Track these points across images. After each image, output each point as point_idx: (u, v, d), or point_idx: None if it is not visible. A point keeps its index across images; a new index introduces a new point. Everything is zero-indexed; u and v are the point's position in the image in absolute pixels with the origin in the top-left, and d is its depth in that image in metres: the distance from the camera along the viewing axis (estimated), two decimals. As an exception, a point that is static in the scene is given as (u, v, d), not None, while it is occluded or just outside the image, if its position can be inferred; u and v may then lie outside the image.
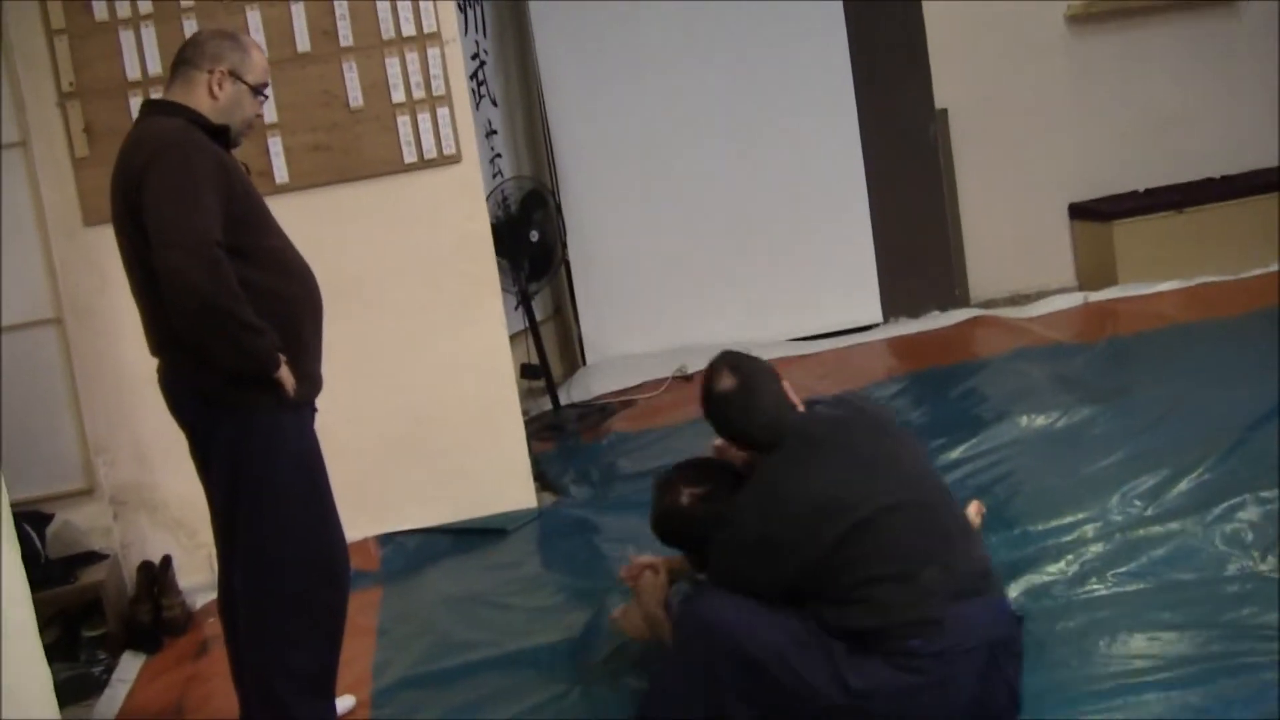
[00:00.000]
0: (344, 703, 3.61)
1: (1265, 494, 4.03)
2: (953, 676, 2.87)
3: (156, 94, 4.42)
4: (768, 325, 7.00)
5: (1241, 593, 3.51)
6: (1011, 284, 7.47)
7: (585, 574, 4.40)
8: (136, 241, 3.09)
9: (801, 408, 3.19)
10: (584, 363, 6.91)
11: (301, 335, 3.22)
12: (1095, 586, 3.67)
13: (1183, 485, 4.29)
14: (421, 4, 4.64)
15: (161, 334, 3.17)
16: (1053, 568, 3.79)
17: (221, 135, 3.21)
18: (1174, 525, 3.96)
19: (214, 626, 4.44)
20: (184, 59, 3.23)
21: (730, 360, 3.18)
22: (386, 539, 4.84)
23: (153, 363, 4.56)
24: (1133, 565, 3.77)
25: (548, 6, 6.60)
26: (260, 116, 3.34)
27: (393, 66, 4.66)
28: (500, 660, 3.83)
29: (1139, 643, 3.32)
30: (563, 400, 6.42)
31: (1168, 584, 3.65)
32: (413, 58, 4.66)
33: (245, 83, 3.22)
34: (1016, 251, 7.47)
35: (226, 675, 3.93)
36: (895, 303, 7.10)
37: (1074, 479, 4.44)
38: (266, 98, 3.32)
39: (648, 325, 6.93)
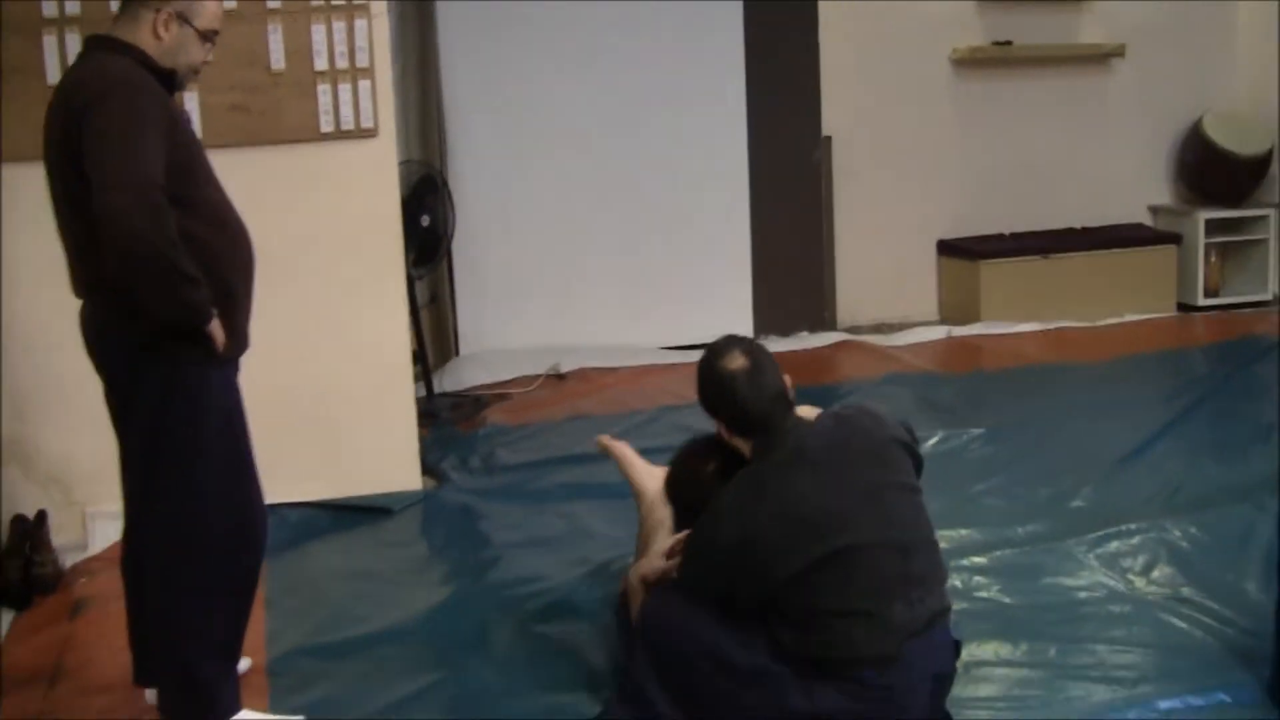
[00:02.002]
0: (240, 664, 3.55)
1: (1133, 525, 4.27)
2: (903, 708, 2.94)
3: (73, 36, 4.39)
4: (641, 331, 7.07)
5: (1121, 613, 3.72)
6: (877, 312, 7.69)
7: (473, 555, 4.43)
8: (70, 180, 3.01)
9: (805, 410, 3.17)
10: (457, 353, 6.88)
11: (233, 290, 3.17)
12: (974, 603, 3.82)
13: (1061, 511, 4.51)
14: (354, -27, 4.61)
15: (90, 276, 3.08)
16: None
17: (167, 78, 3.14)
18: (1052, 546, 4.17)
19: (86, 587, 4.35)
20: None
21: (741, 342, 3.13)
22: (268, 510, 4.76)
23: (39, 311, 4.48)
24: (1012, 583, 3.94)
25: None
26: (206, 62, 3.24)
27: (318, 33, 4.60)
28: (392, 633, 3.82)
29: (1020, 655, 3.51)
30: (435, 388, 6.40)
31: (1046, 604, 3.82)
32: (339, 26, 4.61)
33: (193, 26, 3.12)
34: (884, 281, 7.71)
35: (105, 638, 3.89)
36: (767, 320, 7.24)
37: (954, 499, 4.59)
38: (213, 44, 3.22)
39: (524, 321, 6.94)
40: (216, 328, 3.04)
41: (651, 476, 3.63)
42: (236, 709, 3.23)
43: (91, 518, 4.67)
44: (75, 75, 3.10)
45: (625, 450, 3.77)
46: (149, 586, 3.21)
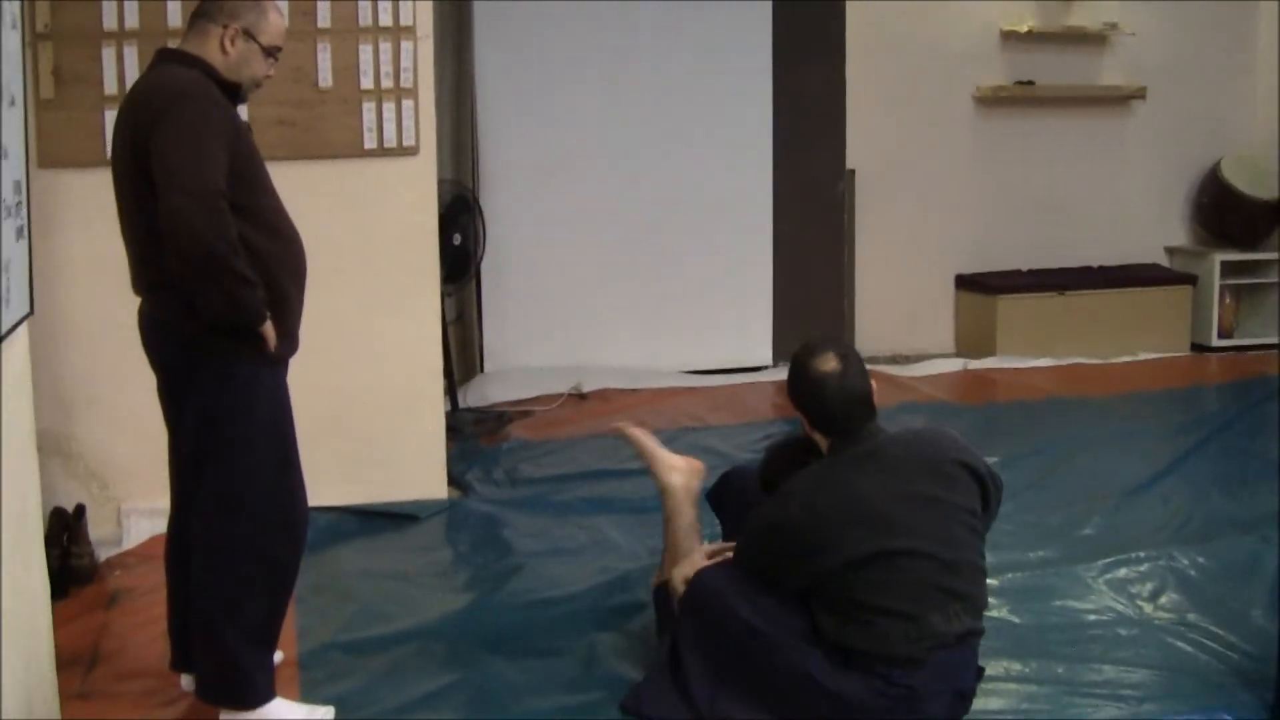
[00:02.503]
0: (274, 656, 3.67)
1: (1141, 553, 4.41)
2: (920, 711, 3.09)
3: (130, 48, 4.56)
4: (662, 355, 7.21)
5: (1128, 635, 3.84)
6: (895, 343, 7.81)
7: (496, 562, 4.55)
8: (137, 183, 3.15)
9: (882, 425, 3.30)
10: (482, 369, 7.02)
11: (286, 295, 3.30)
12: (986, 622, 3.91)
13: (1072, 537, 4.63)
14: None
15: (151, 276, 3.23)
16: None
17: (232, 91, 3.29)
18: (1062, 570, 4.30)
19: (120, 580, 4.47)
20: (202, 11, 3.29)
21: (835, 344, 3.25)
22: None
23: (83, 311, 4.62)
24: (1023, 604, 4.06)
25: (492, 10, 6.74)
26: (269, 76, 3.40)
27: (365, 53, 4.76)
28: (417, 632, 3.94)
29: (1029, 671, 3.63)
30: (459, 403, 6.52)
31: (1055, 624, 3.93)
32: (385, 48, 4.77)
33: (258, 42, 3.27)
34: (902, 312, 7.83)
35: (141, 628, 4.02)
36: (785, 347, 7.35)
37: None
38: (276, 60, 3.37)
39: (547, 340, 7.08)
40: (269, 329, 3.18)
41: (673, 469, 3.78)
42: (270, 696, 3.35)
43: (127, 514, 4.80)
44: (146, 85, 3.25)
45: (645, 438, 3.90)
46: (194, 574, 3.34)
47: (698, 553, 3.53)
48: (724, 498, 3.81)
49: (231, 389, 3.23)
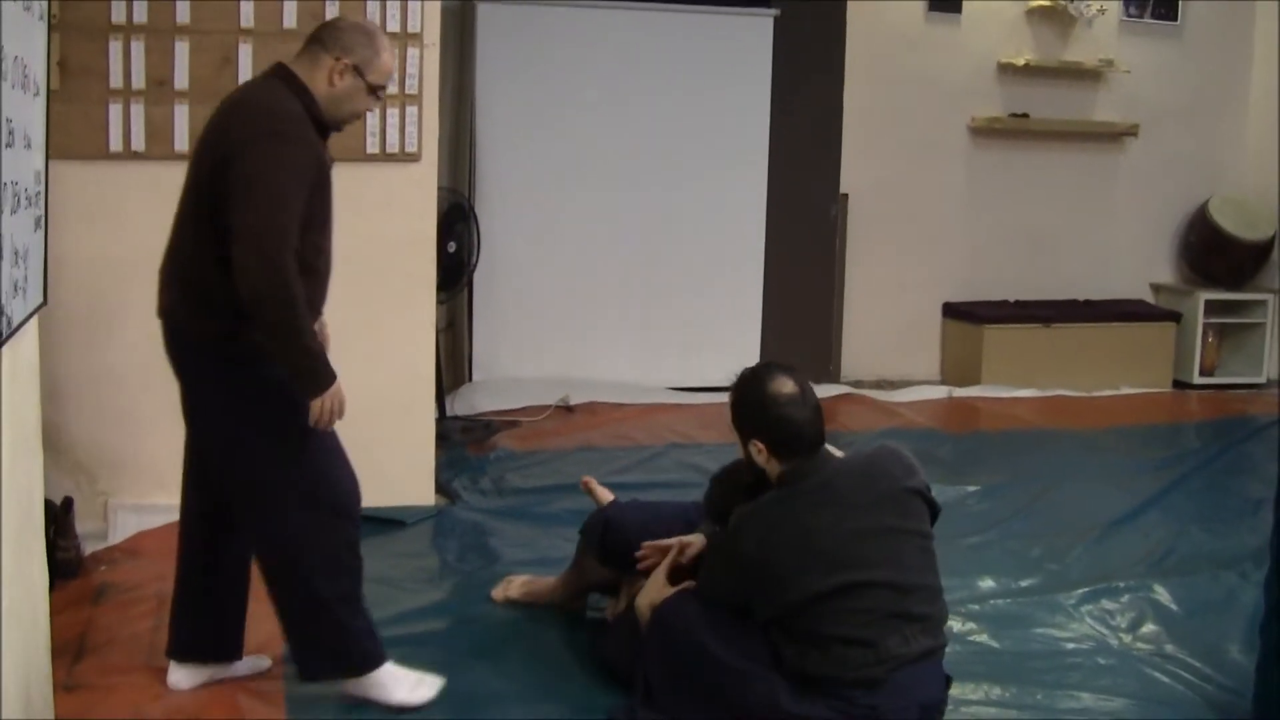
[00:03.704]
0: (259, 662, 3.69)
1: (1121, 584, 4.47)
2: None
3: (137, 42, 4.58)
4: (650, 370, 7.24)
5: (1107, 665, 3.88)
6: (880, 369, 7.86)
7: (483, 569, 4.56)
8: (202, 187, 3.18)
9: (838, 452, 3.32)
10: (470, 378, 7.04)
11: None
12: (966, 646, 3.98)
13: (1053, 566, 4.67)
14: (410, 4, 4.78)
15: (185, 273, 3.26)
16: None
17: (327, 125, 3.33)
18: (1043, 599, 4.34)
19: (106, 575, 4.47)
20: (318, 38, 3.31)
21: (783, 368, 3.28)
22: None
23: (77, 305, 4.63)
24: (1003, 630, 4.09)
25: (496, 19, 6.78)
26: (370, 110, 3.45)
27: (372, 58, 4.78)
28: (404, 638, 3.92)
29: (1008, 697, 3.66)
30: (447, 411, 6.54)
31: (1035, 651, 3.97)
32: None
33: (365, 79, 3.31)
34: (889, 338, 7.88)
35: (128, 623, 4.03)
36: (773, 368, 7.38)
37: (951, 550, 4.73)
38: (380, 99, 3.40)
39: (537, 352, 7.11)
40: (331, 396, 3.24)
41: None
42: (383, 659, 3.44)
43: (114, 509, 4.81)
44: (250, 99, 3.28)
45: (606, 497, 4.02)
46: (265, 574, 3.40)
47: (660, 573, 3.53)
48: (609, 546, 3.82)
49: (253, 380, 3.25)
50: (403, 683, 3.47)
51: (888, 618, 3.10)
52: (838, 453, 3.32)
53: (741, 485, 3.38)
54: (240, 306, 3.09)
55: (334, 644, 3.39)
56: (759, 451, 3.24)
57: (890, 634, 3.10)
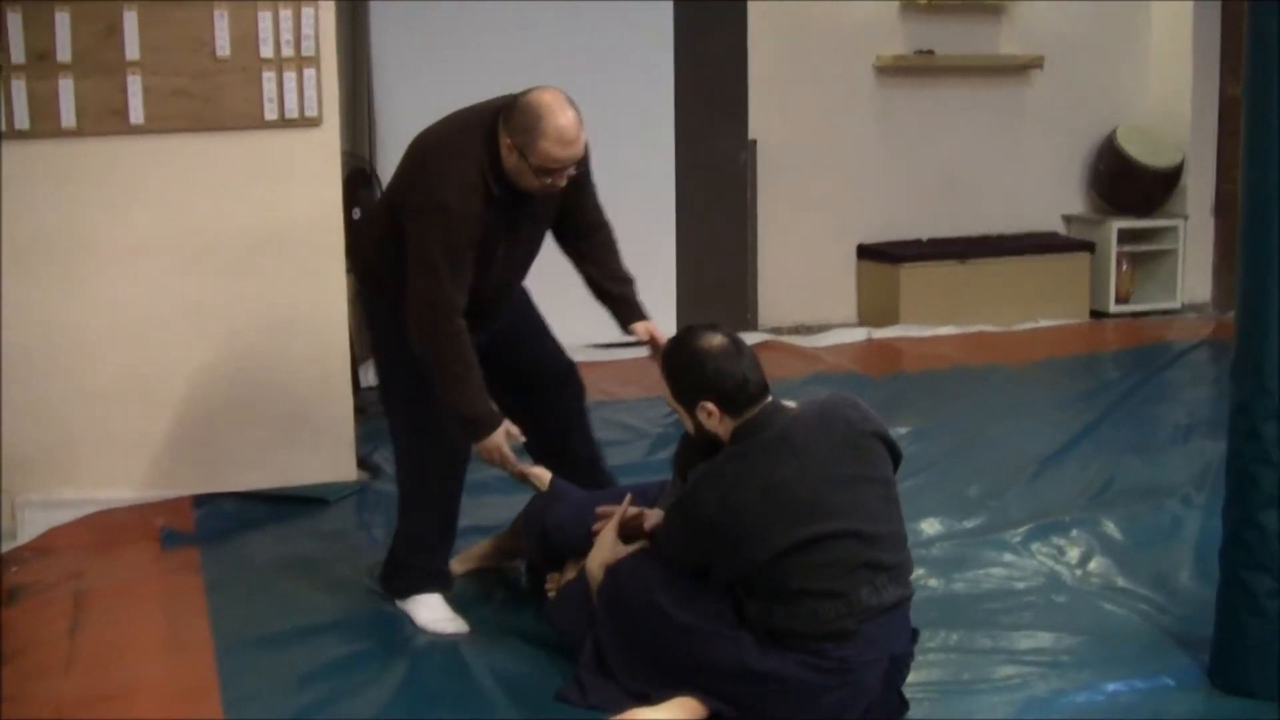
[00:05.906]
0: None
1: (1066, 518, 4.43)
2: (856, 681, 3.03)
3: (15, 14, 4.34)
4: (567, 329, 7.03)
5: (1061, 602, 3.84)
6: (798, 314, 7.77)
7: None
8: (395, 212, 3.60)
9: (790, 403, 3.20)
10: (380, 348, 6.84)
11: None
12: (918, 591, 3.88)
13: (994, 503, 4.63)
14: (302, -40, 4.59)
15: (365, 251, 3.85)
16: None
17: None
18: (989, 539, 4.29)
19: (17, 576, 4.27)
20: (507, 105, 3.48)
21: (709, 326, 3.19)
22: (202, 500, 4.72)
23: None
24: (953, 573, 4.04)
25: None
26: (553, 185, 3.51)
27: (264, 20, 4.56)
28: (335, 624, 3.81)
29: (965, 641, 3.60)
30: (360, 383, 6.35)
31: (987, 592, 3.92)
32: (286, 15, 4.58)
33: (527, 161, 3.39)
34: (805, 283, 7.78)
35: (46, 624, 3.87)
36: (690, 320, 7.22)
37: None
38: (549, 181, 3.44)
39: (450, 317, 6.92)
40: (495, 439, 3.55)
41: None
42: (411, 592, 3.80)
43: (20, 507, 4.59)
44: (431, 154, 3.60)
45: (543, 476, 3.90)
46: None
47: (609, 531, 3.41)
48: (553, 549, 3.73)
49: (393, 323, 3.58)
50: (435, 611, 3.75)
51: (857, 568, 3.01)
52: (790, 404, 3.21)
53: (705, 449, 3.26)
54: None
55: (386, 565, 3.92)
56: (709, 414, 3.12)
57: (861, 584, 3.01)
